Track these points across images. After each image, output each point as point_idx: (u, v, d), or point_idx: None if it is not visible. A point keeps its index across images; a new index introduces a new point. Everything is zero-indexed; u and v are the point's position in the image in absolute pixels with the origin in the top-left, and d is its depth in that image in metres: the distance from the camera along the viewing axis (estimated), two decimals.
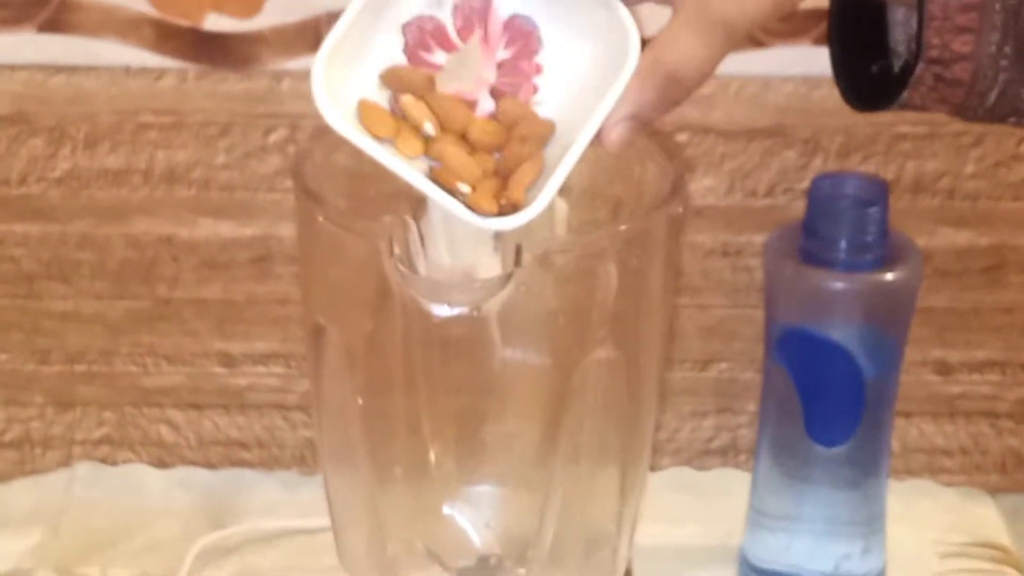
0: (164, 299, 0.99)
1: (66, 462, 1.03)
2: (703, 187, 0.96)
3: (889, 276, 0.84)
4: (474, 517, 0.66)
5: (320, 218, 0.59)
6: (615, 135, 0.59)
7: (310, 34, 0.93)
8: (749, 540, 0.92)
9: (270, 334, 1.00)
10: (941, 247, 0.97)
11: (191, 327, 1.00)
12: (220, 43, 0.94)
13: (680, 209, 0.62)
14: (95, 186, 0.96)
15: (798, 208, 0.94)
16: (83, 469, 1.02)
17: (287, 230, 0.95)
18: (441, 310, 0.57)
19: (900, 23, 0.67)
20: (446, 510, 0.66)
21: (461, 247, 0.68)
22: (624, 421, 0.64)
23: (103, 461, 1.03)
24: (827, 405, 0.87)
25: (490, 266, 0.69)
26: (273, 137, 0.95)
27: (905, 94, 0.64)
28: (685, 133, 0.95)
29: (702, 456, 1.03)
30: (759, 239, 0.96)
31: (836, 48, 0.68)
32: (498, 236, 0.64)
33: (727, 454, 1.03)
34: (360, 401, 0.61)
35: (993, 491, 1.01)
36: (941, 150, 0.95)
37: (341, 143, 0.59)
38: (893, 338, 0.86)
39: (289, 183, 0.94)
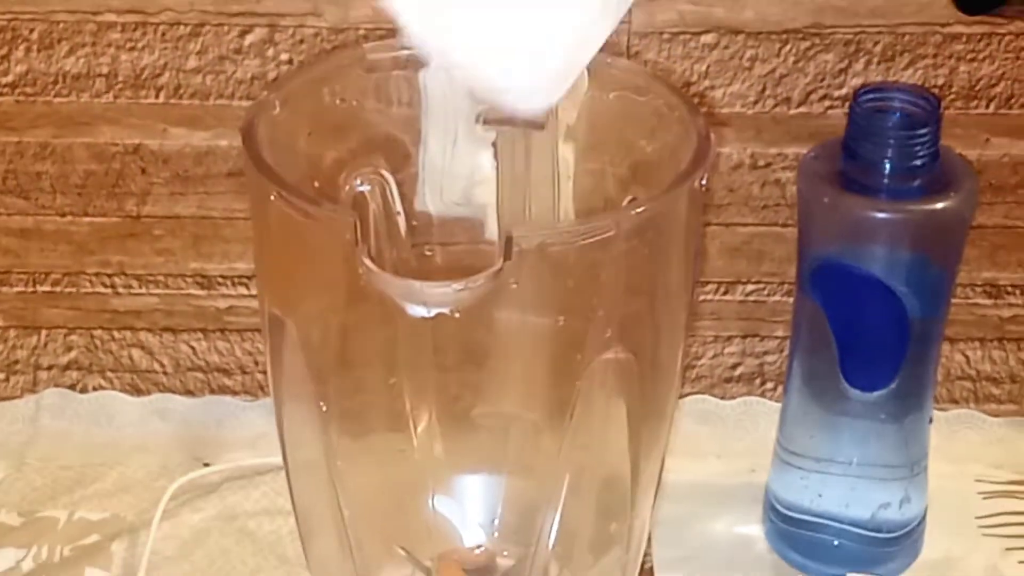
0: (134, 215, 0.91)
1: (32, 389, 0.95)
2: (731, 94, 0.87)
3: (940, 205, 0.74)
4: (459, 510, 0.57)
5: (272, 196, 0.50)
6: None
7: None
8: (776, 482, 0.84)
9: (251, 253, 0.91)
10: (994, 159, 0.89)
11: (164, 245, 0.92)
12: None
13: (704, 180, 0.52)
14: (53, 92, 0.87)
15: (835, 117, 0.86)
16: (50, 396, 0.94)
17: None
18: (417, 310, 0.48)
19: None
20: (428, 504, 0.57)
21: (454, 188, 0.60)
22: (638, 419, 0.55)
23: (72, 388, 0.95)
24: (866, 347, 0.78)
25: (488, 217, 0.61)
26: (250, 38, 0.86)
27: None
28: (711, 34, 0.85)
29: (725, 384, 0.96)
30: (791, 151, 0.88)
31: None
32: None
33: (752, 382, 0.96)
34: (324, 408, 0.53)
35: None
36: (998, 52, 0.86)
37: (304, 92, 0.50)
38: (942, 273, 0.77)
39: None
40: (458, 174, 0.58)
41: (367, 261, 0.47)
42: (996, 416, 0.93)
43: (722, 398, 0.94)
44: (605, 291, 0.50)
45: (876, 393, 0.79)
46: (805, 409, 0.81)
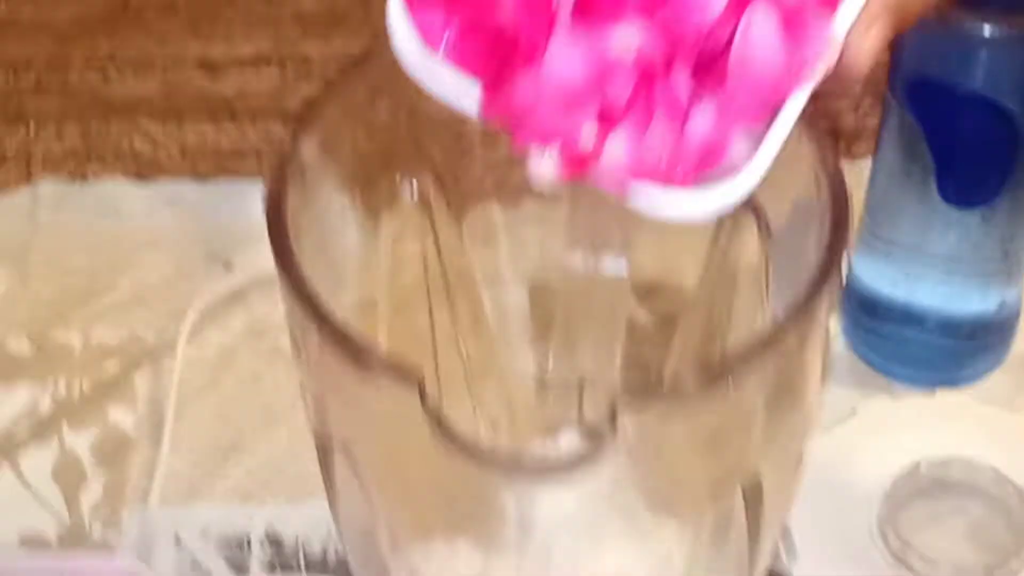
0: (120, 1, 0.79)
1: (25, 180, 0.85)
2: None
3: None
4: None
5: (316, 328, 0.39)
6: (867, 44, 0.39)
7: None
8: (860, 266, 0.76)
9: (259, 35, 0.80)
10: None
11: (157, 28, 0.80)
12: None
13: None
14: None
15: None
16: (47, 188, 0.84)
17: None
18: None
19: None
20: None
21: None
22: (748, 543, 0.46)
23: (70, 176, 0.85)
24: (968, 168, 0.69)
25: None
26: None
27: None
28: None
29: None
30: None
31: None
32: None
33: None
34: (387, 536, 0.44)
35: None
36: None
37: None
38: None
39: None
40: None
41: (438, 429, 0.37)
42: None
43: None
44: (738, 430, 0.41)
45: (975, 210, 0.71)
46: (895, 201, 0.72)
